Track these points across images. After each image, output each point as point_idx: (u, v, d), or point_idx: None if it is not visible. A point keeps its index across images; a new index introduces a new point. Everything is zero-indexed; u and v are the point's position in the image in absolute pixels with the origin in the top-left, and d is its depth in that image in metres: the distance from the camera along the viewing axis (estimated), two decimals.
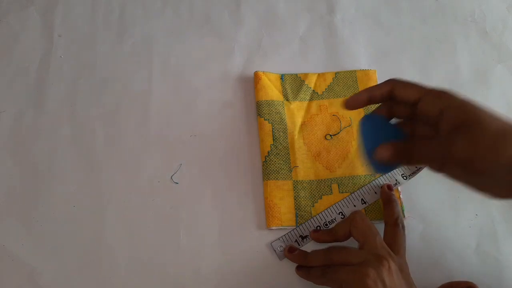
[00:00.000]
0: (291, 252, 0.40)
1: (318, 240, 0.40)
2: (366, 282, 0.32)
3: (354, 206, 0.42)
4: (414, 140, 0.32)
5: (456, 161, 0.29)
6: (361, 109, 0.47)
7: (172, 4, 0.54)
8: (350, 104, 0.35)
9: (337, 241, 0.39)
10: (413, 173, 0.43)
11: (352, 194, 0.43)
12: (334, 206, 0.43)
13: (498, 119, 0.29)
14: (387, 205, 0.41)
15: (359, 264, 0.34)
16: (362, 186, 0.43)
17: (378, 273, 0.32)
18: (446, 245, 0.41)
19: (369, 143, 0.34)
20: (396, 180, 0.43)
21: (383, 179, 0.43)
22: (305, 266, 0.38)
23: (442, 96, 0.30)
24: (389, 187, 0.42)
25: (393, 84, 0.33)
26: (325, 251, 0.37)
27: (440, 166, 0.30)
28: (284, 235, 0.41)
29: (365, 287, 0.32)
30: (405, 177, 0.43)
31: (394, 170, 0.43)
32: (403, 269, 0.35)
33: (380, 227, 0.39)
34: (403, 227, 0.39)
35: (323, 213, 0.42)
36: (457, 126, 0.29)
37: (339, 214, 0.42)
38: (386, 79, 0.49)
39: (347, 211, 0.42)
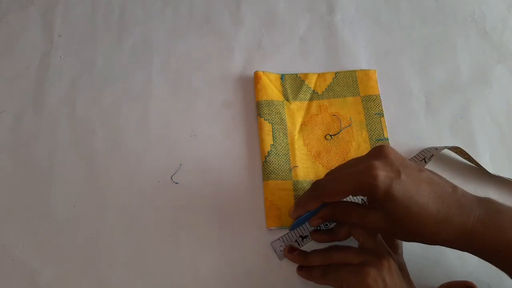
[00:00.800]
0: (291, 252, 0.40)
1: (318, 240, 0.40)
2: (367, 282, 0.32)
3: None
4: (340, 206, 0.36)
5: (370, 229, 0.35)
6: (361, 110, 0.47)
7: (172, 4, 0.54)
8: (293, 218, 0.38)
9: (337, 241, 0.39)
10: None
11: None
12: None
13: (413, 205, 0.31)
14: None
15: (360, 263, 0.34)
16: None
17: (379, 272, 0.32)
18: None
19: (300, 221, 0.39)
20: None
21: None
22: (305, 266, 0.38)
23: (368, 190, 0.31)
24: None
25: (322, 198, 0.35)
26: (325, 251, 0.37)
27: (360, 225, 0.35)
28: (284, 235, 0.41)
29: (366, 286, 0.32)
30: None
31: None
32: (402, 268, 0.36)
33: None
34: None
35: None
36: (374, 203, 0.34)
37: None
38: (386, 79, 0.50)
39: None
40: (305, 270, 0.38)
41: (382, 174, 0.31)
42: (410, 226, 0.31)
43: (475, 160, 0.43)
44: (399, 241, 0.38)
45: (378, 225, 0.33)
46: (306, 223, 0.42)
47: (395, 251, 0.37)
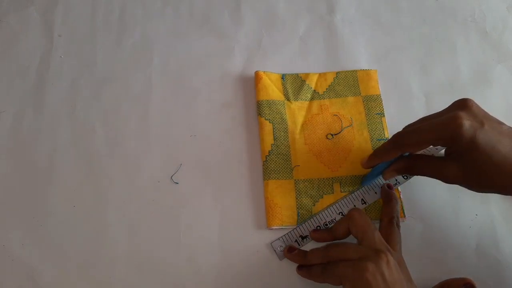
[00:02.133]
0: (290, 252, 0.40)
1: (318, 240, 0.40)
2: (365, 276, 0.32)
3: (354, 206, 0.42)
4: (416, 158, 0.38)
5: (447, 180, 0.36)
6: (362, 109, 0.47)
7: (172, 4, 0.55)
8: (366, 167, 0.41)
9: (337, 239, 0.39)
10: (403, 181, 0.43)
11: (352, 194, 0.43)
12: (334, 206, 0.43)
13: (491, 153, 0.32)
14: (387, 203, 0.41)
15: (358, 259, 0.33)
16: (362, 186, 0.43)
17: (377, 267, 0.32)
18: (446, 245, 0.41)
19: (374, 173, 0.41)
20: (396, 180, 0.43)
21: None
22: (305, 265, 0.38)
23: (452, 139, 0.33)
24: (389, 186, 0.42)
25: (403, 148, 0.36)
26: (324, 249, 0.37)
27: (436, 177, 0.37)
28: (284, 235, 0.41)
29: (364, 281, 0.32)
30: (405, 177, 0.43)
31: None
32: (401, 265, 0.36)
33: (378, 226, 0.39)
34: (398, 225, 0.39)
35: (323, 213, 0.42)
36: (453, 154, 0.35)
37: (339, 214, 0.42)
38: (386, 79, 0.50)
39: (347, 211, 0.42)
40: (304, 269, 0.38)
41: (467, 123, 0.32)
42: (490, 176, 0.33)
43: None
44: (398, 238, 0.38)
45: (455, 176, 0.35)
46: (379, 178, 0.43)
47: (394, 248, 0.37)
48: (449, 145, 0.35)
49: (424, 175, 0.38)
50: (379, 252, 0.33)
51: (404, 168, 0.39)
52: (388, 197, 0.41)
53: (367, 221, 0.37)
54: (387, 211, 0.40)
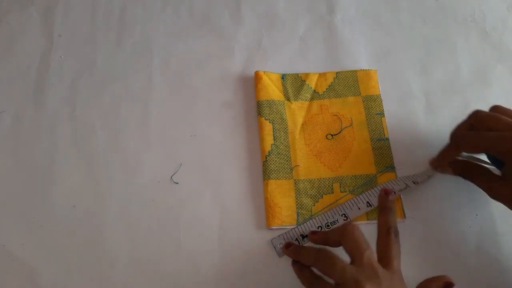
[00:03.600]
0: (287, 248, 0.39)
1: (315, 242, 0.39)
2: None
3: (359, 208, 0.41)
4: (472, 165, 0.40)
5: (497, 197, 0.37)
6: (362, 110, 0.47)
7: (172, 4, 0.55)
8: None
9: (330, 246, 0.37)
10: (425, 180, 0.43)
11: (358, 197, 0.42)
12: (338, 207, 0.42)
13: None
14: (381, 212, 0.38)
15: (336, 285, 0.33)
16: (362, 185, 0.43)
17: None
18: (446, 245, 0.41)
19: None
20: (406, 184, 0.42)
21: (390, 183, 0.42)
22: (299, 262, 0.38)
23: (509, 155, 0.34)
24: (387, 192, 0.39)
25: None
26: (316, 253, 0.36)
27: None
28: (285, 232, 0.41)
29: None
30: (416, 183, 0.42)
31: (408, 177, 0.43)
32: (396, 285, 0.33)
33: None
34: (396, 236, 0.35)
35: (326, 214, 0.42)
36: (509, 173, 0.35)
37: (342, 215, 0.42)
38: (386, 79, 0.50)
39: (351, 214, 0.41)
40: (297, 266, 0.38)
41: None
42: None
43: (479, 159, 0.43)
44: (395, 251, 0.35)
45: (506, 196, 0.36)
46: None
47: (390, 264, 0.34)
48: (506, 160, 0.35)
49: (473, 183, 0.39)
50: (359, 285, 0.31)
51: (460, 169, 0.41)
52: (382, 206, 0.38)
53: (359, 240, 0.34)
54: (382, 221, 0.37)
